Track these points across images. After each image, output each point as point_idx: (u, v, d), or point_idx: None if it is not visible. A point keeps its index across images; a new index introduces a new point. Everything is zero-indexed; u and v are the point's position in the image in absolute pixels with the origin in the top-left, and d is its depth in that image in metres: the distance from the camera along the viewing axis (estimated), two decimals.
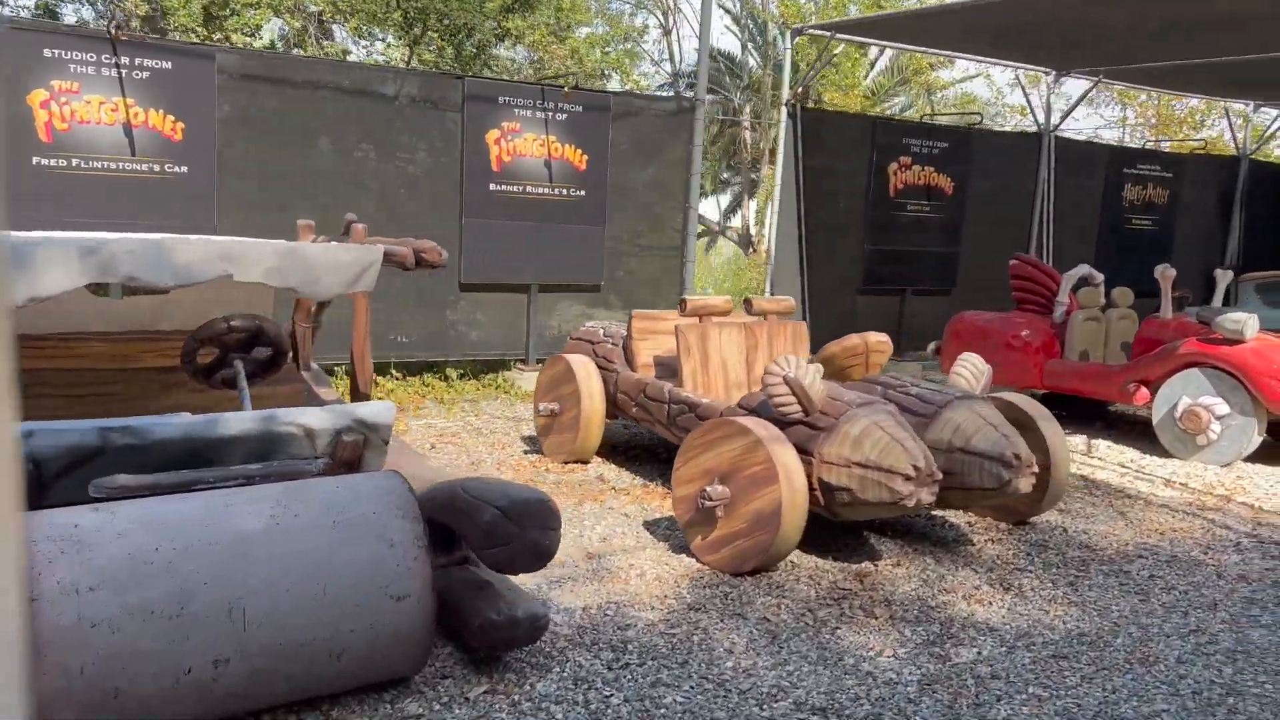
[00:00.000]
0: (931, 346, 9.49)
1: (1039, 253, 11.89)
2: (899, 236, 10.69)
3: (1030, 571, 4.82)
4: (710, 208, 24.61)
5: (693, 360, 5.87)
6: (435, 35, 11.25)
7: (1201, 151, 12.92)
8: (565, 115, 8.75)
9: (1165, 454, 7.44)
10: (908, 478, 4.37)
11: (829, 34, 9.62)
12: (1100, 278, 9.00)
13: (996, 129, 17.02)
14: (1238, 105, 14.33)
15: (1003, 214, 11.61)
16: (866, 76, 21.08)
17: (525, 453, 6.85)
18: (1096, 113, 24.22)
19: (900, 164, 10.51)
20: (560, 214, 8.86)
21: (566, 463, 6.47)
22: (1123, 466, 7.14)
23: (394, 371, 8.78)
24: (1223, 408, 7.15)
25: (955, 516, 5.62)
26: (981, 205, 11.37)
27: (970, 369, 5.25)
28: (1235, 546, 5.33)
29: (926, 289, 11.01)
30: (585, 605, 4.17)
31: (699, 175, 9.53)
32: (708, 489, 4.59)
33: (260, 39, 12.92)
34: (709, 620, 4.07)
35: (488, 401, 8.46)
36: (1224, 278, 8.34)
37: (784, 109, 9.67)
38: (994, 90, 23.61)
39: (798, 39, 10.16)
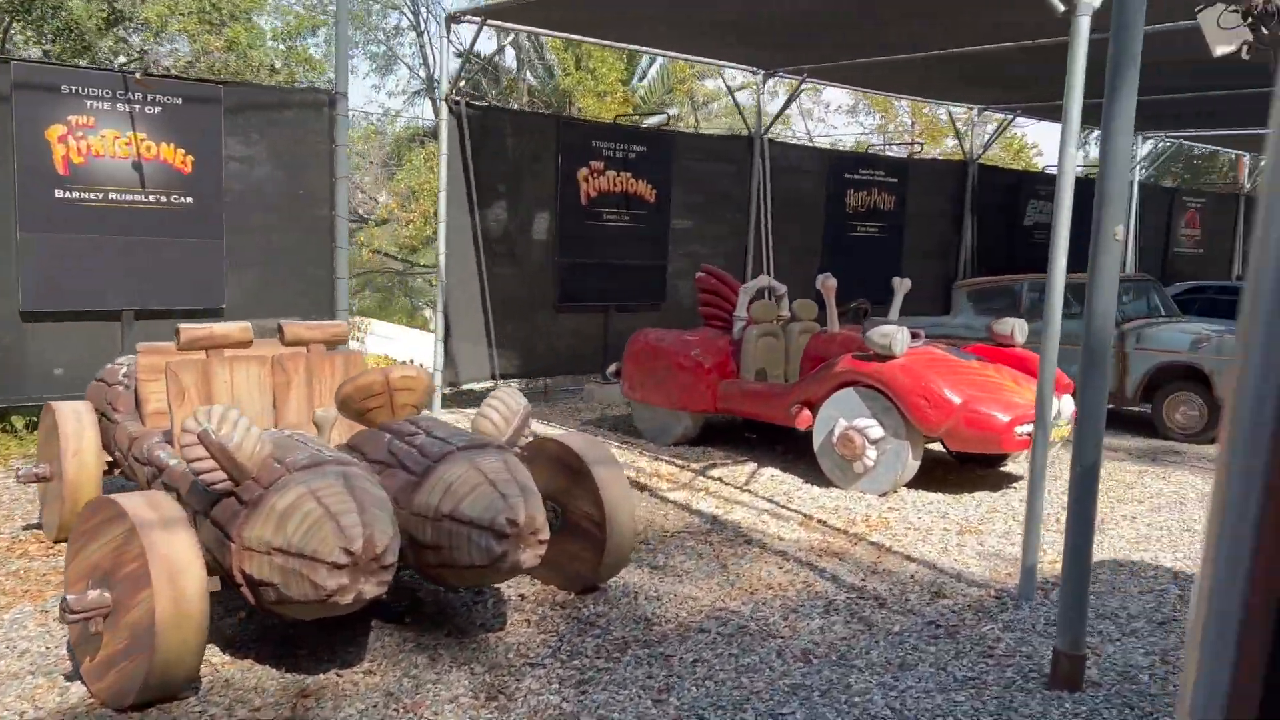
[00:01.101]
0: (612, 369, 8.60)
1: (758, 264, 11.28)
2: (597, 248, 9.78)
3: (543, 667, 3.82)
4: None
5: (187, 407, 4.63)
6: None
7: (920, 155, 12.72)
8: (160, 109, 7.35)
9: (830, 483, 6.75)
10: (337, 566, 3.29)
11: (477, 22, 8.60)
12: (782, 289, 8.34)
13: (704, 133, 16.47)
14: (960, 110, 14.30)
15: (715, 223, 10.93)
16: (633, 82, 20.42)
17: (24, 529, 5.42)
18: (857, 120, 24.55)
19: (591, 169, 9.61)
20: (160, 226, 7.43)
21: (58, 542, 5.09)
22: (770, 500, 6.37)
23: None
24: (877, 430, 6.49)
25: (510, 586, 4.61)
26: (690, 213, 10.64)
27: (500, 408, 4.25)
28: (826, 608, 4.53)
29: (633, 305, 10.15)
30: None
31: (346, 179, 8.31)
32: (70, 597, 3.36)
33: None
34: None
35: None
36: (901, 286, 7.81)
37: (443, 105, 8.58)
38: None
39: (458, 26, 9.09)
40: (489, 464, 3.85)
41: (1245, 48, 5.02)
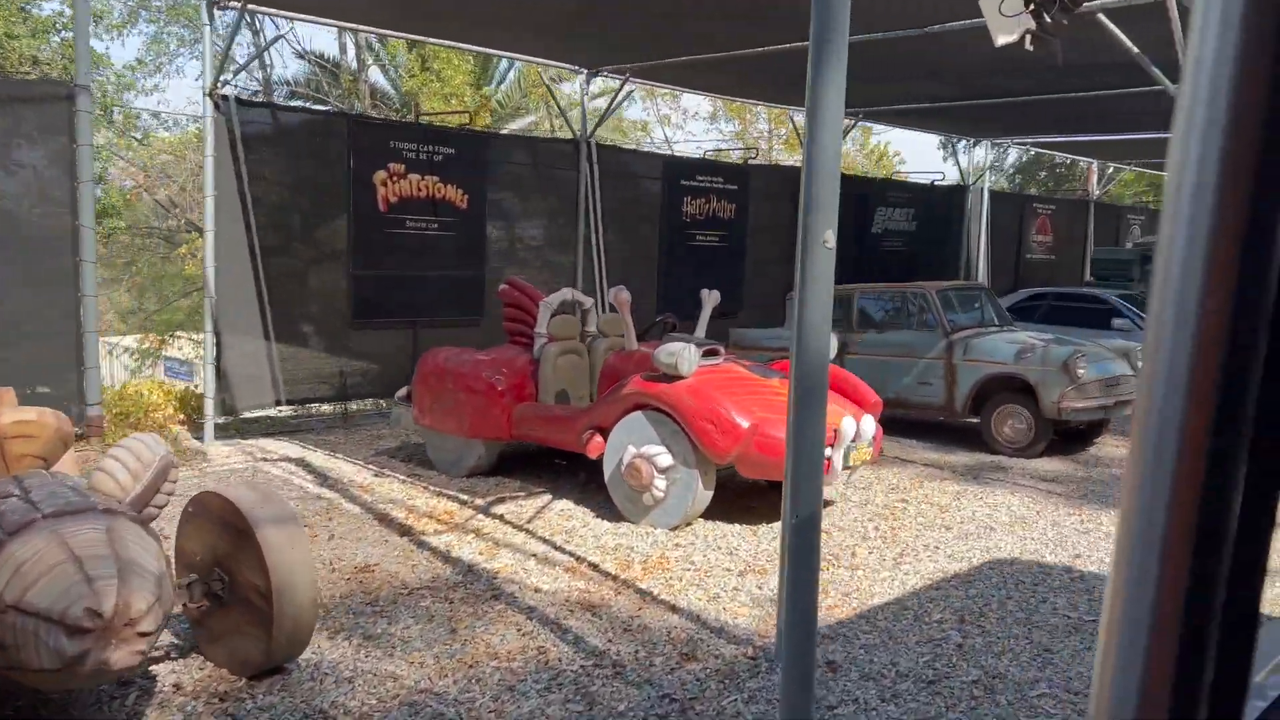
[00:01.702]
0: (402, 392, 7.81)
1: (589, 275, 10.64)
2: (399, 259, 8.97)
3: None
4: None
5: None
6: None
7: (754, 159, 12.29)
8: None
9: (622, 517, 6.11)
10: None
11: (237, 7, 7.68)
12: (589, 302, 7.70)
13: (521, 134, 15.75)
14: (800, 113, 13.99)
15: (540, 230, 10.25)
16: (493, 85, 19.62)
17: None
18: (716, 127, 24.25)
19: (391, 173, 8.80)
20: None
21: None
22: (547, 541, 5.68)
23: None
24: (665, 458, 5.88)
25: (172, 671, 3.79)
26: (510, 221, 9.93)
27: (126, 459, 3.44)
28: (550, 683, 3.85)
29: (444, 320, 9.36)
30: None
31: (91, 182, 7.30)
32: None
33: None
34: None
35: None
36: (709, 299, 7.27)
37: (207, 101, 7.65)
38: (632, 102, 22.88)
39: (222, 12, 8.18)
40: (83, 536, 3.04)
41: (1028, 37, 4.63)
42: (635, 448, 5.98)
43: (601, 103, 13.98)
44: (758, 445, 5.75)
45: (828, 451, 5.88)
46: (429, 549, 5.48)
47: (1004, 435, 8.52)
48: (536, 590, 4.87)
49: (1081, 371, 8.08)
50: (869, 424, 6.08)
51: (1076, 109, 11.72)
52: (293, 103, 17.01)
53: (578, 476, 7.14)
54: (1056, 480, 7.57)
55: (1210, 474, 0.48)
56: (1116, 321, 11.11)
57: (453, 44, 10.00)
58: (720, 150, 12.91)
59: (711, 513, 6.09)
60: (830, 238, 3.09)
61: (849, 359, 9.39)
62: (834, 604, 4.77)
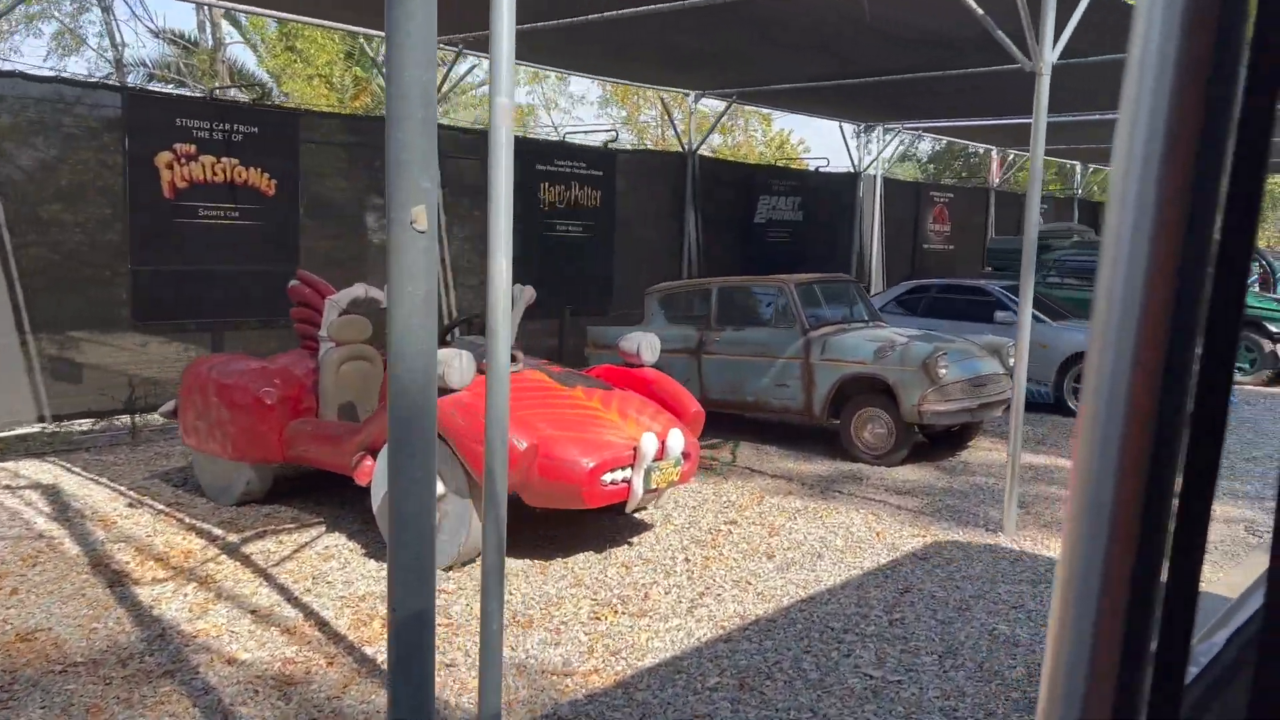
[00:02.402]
0: (167, 407, 6.78)
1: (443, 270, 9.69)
2: (192, 252, 7.91)
3: None
4: None
5: None
6: None
7: (613, 144, 11.40)
8: None
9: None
10: None
11: None
12: (384, 299, 6.78)
13: (338, 112, 14.59)
14: (670, 94, 13.16)
15: (370, 219, 9.26)
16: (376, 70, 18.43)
17: None
18: (607, 113, 23.27)
19: (178, 154, 7.74)
20: None
21: None
22: (283, 591, 4.75)
23: None
24: (436, 487, 4.99)
25: None
26: (330, 209, 8.93)
27: None
28: None
29: (252, 321, 8.34)
30: None
31: None
32: None
33: None
34: None
35: None
36: (523, 295, 6.41)
37: None
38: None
39: None
40: None
41: None
42: None
43: (471, 80, 12.96)
44: (541, 469, 4.90)
45: (625, 474, 5.07)
46: (129, 605, 4.51)
47: (864, 441, 7.82)
48: (230, 661, 3.94)
49: (943, 371, 7.40)
50: (677, 440, 5.27)
51: (960, 90, 11.13)
52: (53, 74, 15.66)
53: (366, 501, 6.22)
54: (913, 492, 6.88)
55: (1155, 449, 0.50)
56: (1000, 315, 10.53)
57: (306, 20, 8.93)
58: (592, 134, 12.00)
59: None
60: (421, 217, 2.24)
61: (707, 359, 8.63)
62: (595, 667, 3.95)
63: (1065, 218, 20.05)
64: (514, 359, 5.63)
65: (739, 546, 5.53)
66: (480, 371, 5.46)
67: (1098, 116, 12.86)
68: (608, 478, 4.97)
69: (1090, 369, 0.52)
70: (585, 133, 16.13)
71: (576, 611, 4.53)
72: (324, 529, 5.75)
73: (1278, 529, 0.52)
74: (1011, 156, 19.52)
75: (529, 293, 6.49)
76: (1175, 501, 0.51)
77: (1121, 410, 0.50)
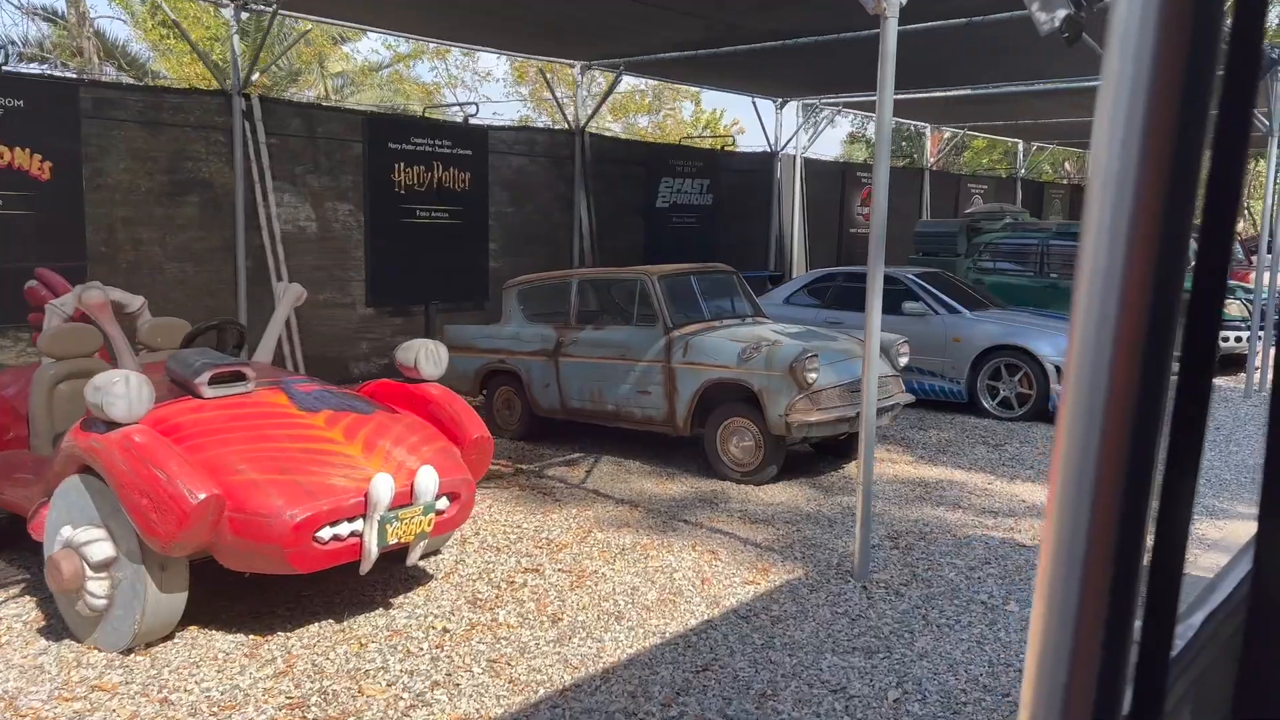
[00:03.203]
0: None
1: (259, 260, 8.54)
2: None
3: None
4: None
5: None
6: None
7: (475, 116, 10.14)
8: None
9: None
10: None
11: None
12: (135, 302, 5.66)
13: (136, 83, 13.09)
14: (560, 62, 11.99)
15: (178, 206, 8.09)
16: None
17: None
18: (517, 92, 21.93)
19: None
20: None
21: None
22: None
23: None
24: (103, 548, 3.89)
25: None
26: (130, 194, 7.75)
27: None
28: None
29: (19, 327, 7.15)
30: None
31: None
32: None
33: None
34: None
35: None
36: (289, 294, 5.32)
37: None
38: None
39: None
40: None
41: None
42: (71, 530, 3.99)
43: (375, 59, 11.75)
44: (233, 526, 3.81)
45: (354, 526, 3.99)
46: None
47: (731, 456, 6.79)
48: None
49: (812, 376, 6.38)
50: (429, 480, 4.17)
51: (873, 61, 10.11)
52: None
53: None
54: (771, 520, 5.87)
55: (1137, 429, 0.50)
56: (908, 305, 9.53)
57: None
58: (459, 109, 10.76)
59: (215, 612, 4.14)
60: None
61: (565, 361, 7.57)
62: None
63: (1007, 200, 19.12)
64: (241, 378, 4.52)
65: (524, 606, 4.47)
66: (185, 396, 4.36)
67: (1041, 87, 11.84)
68: (326, 533, 3.89)
69: (1072, 351, 0.52)
70: (494, 114, 14.95)
71: (255, 718, 3.45)
72: (25, 584, 4.64)
73: (1262, 518, 0.54)
74: (948, 134, 18.58)
75: (295, 290, 5.40)
76: (1159, 479, 0.51)
77: (1103, 390, 0.50)
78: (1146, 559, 0.51)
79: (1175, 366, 0.51)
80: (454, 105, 11.50)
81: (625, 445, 7.72)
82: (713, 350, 6.80)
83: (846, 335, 7.47)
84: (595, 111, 11.45)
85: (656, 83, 19.22)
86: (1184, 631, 1.06)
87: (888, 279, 10.20)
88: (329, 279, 8.99)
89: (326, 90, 16.70)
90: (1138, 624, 0.52)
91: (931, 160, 18.06)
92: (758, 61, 10.42)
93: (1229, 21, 0.48)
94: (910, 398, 7.33)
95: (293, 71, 17.14)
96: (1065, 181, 26.20)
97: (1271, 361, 10.69)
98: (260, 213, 8.48)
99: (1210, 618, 1.08)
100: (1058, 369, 8.67)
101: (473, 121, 10.26)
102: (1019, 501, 6.30)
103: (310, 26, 8.64)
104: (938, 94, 12.76)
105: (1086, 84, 11.27)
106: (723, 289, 7.86)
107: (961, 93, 12.61)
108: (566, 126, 11.25)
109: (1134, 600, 0.51)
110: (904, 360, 7.32)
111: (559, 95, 14.78)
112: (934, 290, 9.79)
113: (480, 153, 10.07)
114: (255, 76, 8.76)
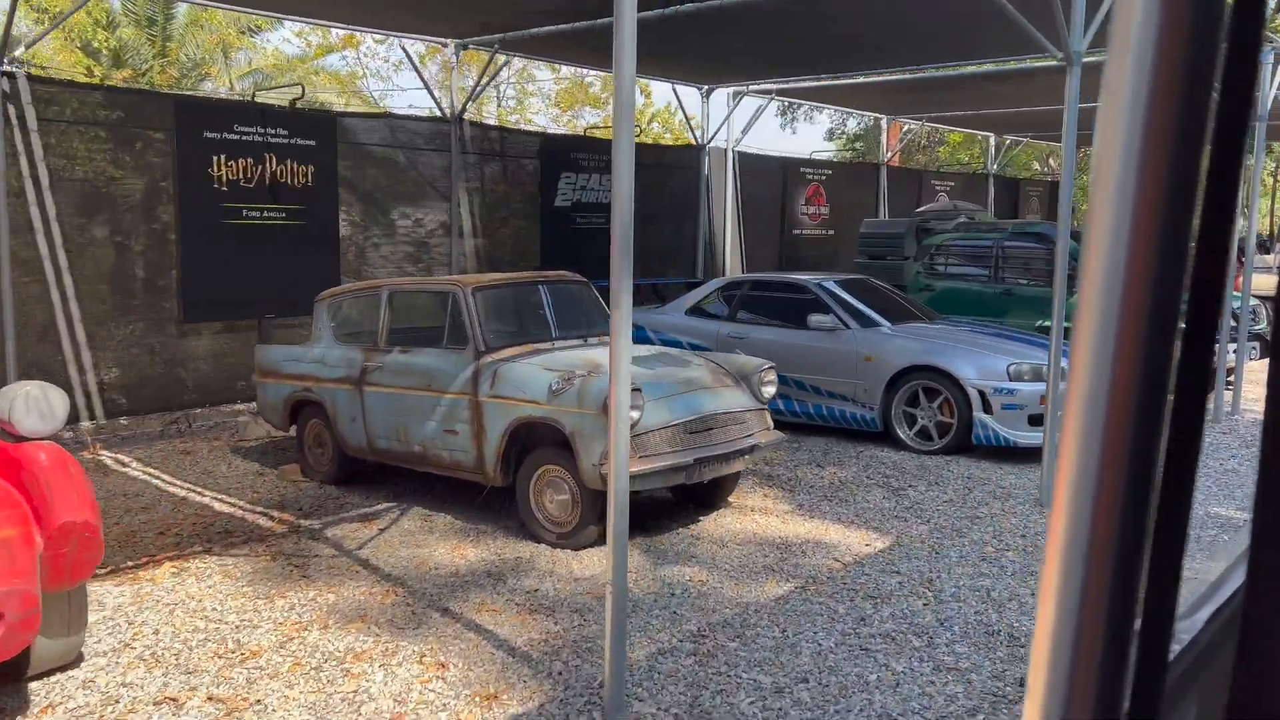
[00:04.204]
0: None
1: (32, 271, 7.23)
2: None
3: None
4: None
5: None
6: None
7: (300, 101, 8.80)
8: None
9: None
10: None
11: None
12: None
13: None
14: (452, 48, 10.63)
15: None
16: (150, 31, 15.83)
17: None
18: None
19: None
20: None
21: None
22: None
23: None
24: None
25: None
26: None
27: None
28: None
29: None
30: None
31: None
32: None
33: None
34: None
35: None
36: None
37: None
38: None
39: None
40: None
41: None
42: None
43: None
44: None
45: None
46: None
47: (546, 513, 5.45)
48: None
49: (634, 414, 5.04)
50: None
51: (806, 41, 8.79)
52: None
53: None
54: (560, 606, 4.52)
55: (1138, 431, 0.50)
56: (814, 318, 8.18)
57: None
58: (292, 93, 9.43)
59: None
60: None
61: (369, 391, 6.24)
62: None
63: (976, 198, 17.69)
64: None
65: None
66: None
67: (1016, 65, 10.44)
68: None
69: (1076, 351, 0.52)
70: (410, 105, 13.61)
71: None
72: None
73: (1256, 514, 0.53)
74: (906, 126, 17.20)
75: None
76: (1159, 479, 0.51)
77: (1105, 391, 0.50)
78: (1146, 559, 0.52)
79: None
80: (283, 87, 10.15)
81: (447, 493, 6.39)
82: (520, 381, 5.46)
83: (706, 359, 6.13)
84: (473, 95, 10.12)
85: (605, 75, 17.89)
86: (1184, 631, 1.06)
87: (795, 287, 8.89)
88: (129, 293, 7.67)
89: (231, 83, 15.37)
90: (1138, 624, 0.52)
91: (889, 154, 16.67)
92: (656, 38, 9.07)
93: (1229, 22, 0.48)
94: (780, 436, 5.97)
95: (196, 62, 15.84)
96: (1047, 177, 24.80)
97: (1267, 369, 9.31)
98: (37, 215, 7.17)
99: (1211, 618, 1.09)
100: (983, 395, 7.31)
101: (334, 110, 8.94)
102: (890, 574, 4.94)
103: None
104: (877, 78, 11.42)
105: (1015, 65, 9.96)
106: (567, 302, 6.51)
107: (900, 77, 11.27)
108: (440, 114, 9.92)
109: (1134, 600, 0.52)
110: (770, 390, 5.97)
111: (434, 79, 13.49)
112: (850, 300, 8.42)
113: (327, 143, 8.74)
114: (21, 50, 7.45)
